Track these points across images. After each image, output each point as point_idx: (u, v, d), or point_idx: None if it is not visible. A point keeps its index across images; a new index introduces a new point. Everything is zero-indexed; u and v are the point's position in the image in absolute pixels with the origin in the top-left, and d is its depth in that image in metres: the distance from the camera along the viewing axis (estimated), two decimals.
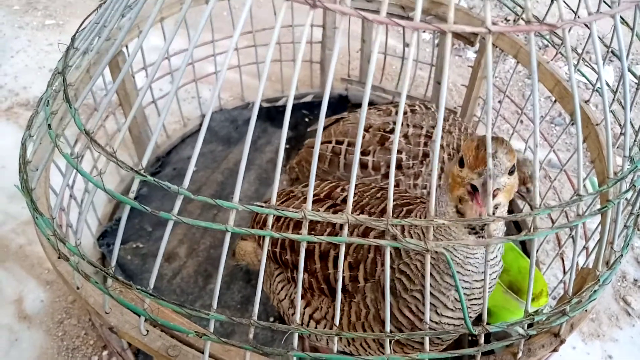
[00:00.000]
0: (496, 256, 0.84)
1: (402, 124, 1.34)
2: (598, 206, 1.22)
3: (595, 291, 0.82)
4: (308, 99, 1.83)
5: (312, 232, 0.94)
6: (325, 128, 1.51)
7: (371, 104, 1.81)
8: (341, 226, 0.68)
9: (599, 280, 0.81)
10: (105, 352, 1.22)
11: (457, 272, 0.82)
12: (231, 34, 1.64)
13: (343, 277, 0.89)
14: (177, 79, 0.68)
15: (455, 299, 0.83)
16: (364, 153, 1.29)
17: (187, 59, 0.66)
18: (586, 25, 0.66)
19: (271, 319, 1.26)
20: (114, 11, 0.88)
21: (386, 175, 1.27)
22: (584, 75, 1.24)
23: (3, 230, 1.44)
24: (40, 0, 2.19)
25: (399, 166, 1.27)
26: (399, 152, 1.27)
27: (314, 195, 1.01)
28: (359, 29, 1.77)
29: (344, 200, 0.99)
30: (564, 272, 1.32)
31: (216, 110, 1.75)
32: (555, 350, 0.83)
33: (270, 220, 0.69)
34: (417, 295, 0.84)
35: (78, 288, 0.83)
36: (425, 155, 1.27)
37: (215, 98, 0.69)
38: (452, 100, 1.94)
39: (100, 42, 0.85)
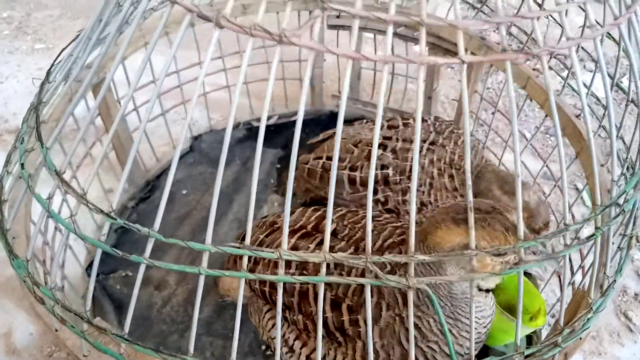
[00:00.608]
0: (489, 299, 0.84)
1: (391, 138, 1.32)
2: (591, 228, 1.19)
3: (588, 319, 0.80)
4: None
5: (305, 271, 0.91)
6: (321, 142, 1.50)
7: (362, 119, 1.79)
8: (328, 265, 0.66)
9: (591, 308, 0.79)
10: None
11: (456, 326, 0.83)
12: (219, 54, 1.63)
13: (342, 320, 0.87)
14: (156, 92, 0.66)
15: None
16: (352, 169, 1.27)
17: (159, 86, 0.64)
18: (584, 48, 0.64)
19: (263, 347, 1.23)
20: (86, 45, 0.86)
21: (375, 192, 1.25)
22: (573, 90, 1.21)
23: None
24: (30, 25, 2.19)
25: (386, 182, 1.25)
26: (386, 167, 1.25)
27: (301, 228, 0.98)
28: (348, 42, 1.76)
29: (334, 233, 0.96)
30: (561, 290, 1.29)
31: (206, 132, 1.73)
32: None
33: (245, 260, 0.67)
34: (434, 346, 0.83)
35: (57, 330, 0.81)
36: None
37: (185, 131, 0.67)
38: (445, 114, 1.91)
39: (70, 82, 0.83)
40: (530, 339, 1.23)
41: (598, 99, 1.16)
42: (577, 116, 1.22)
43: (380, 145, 1.27)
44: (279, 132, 1.74)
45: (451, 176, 1.25)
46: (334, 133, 1.42)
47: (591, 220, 0.72)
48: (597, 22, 0.72)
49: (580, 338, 0.83)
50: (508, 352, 0.74)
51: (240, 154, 1.66)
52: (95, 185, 1.41)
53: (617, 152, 1.08)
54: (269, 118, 1.81)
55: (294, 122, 1.91)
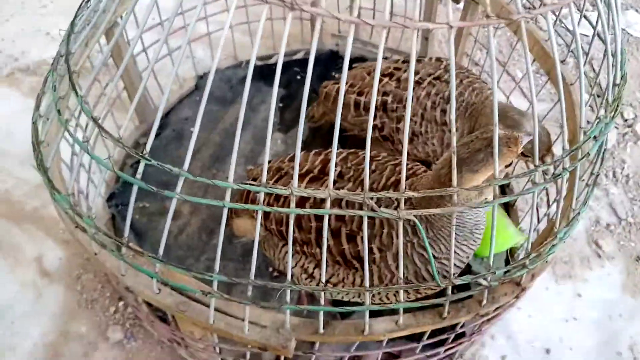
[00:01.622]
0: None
1: (400, 69, 1.37)
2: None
3: (553, 245, 0.93)
4: (299, 55, 1.88)
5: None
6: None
7: (363, 59, 1.86)
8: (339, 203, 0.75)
9: (556, 236, 0.92)
10: (121, 303, 1.36)
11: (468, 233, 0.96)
12: None
13: (358, 250, 0.98)
14: (166, 30, 0.75)
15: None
16: (359, 94, 1.38)
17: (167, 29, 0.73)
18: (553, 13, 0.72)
19: (270, 269, 1.38)
20: None
21: (374, 117, 1.32)
22: (560, 36, 1.29)
23: (17, 195, 1.55)
24: None
25: (384, 109, 1.34)
26: (387, 94, 1.34)
27: (308, 172, 1.07)
28: None
29: (340, 176, 1.05)
30: (538, 220, 1.42)
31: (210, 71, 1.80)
32: (517, 297, 0.95)
33: (261, 197, 0.78)
34: (444, 262, 0.96)
35: (96, 254, 0.94)
36: None
37: (213, 69, 0.77)
38: (442, 53, 1.98)
39: (89, 29, 0.91)
40: (508, 262, 1.38)
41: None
42: (562, 62, 1.30)
43: (388, 75, 1.35)
44: (280, 71, 1.81)
45: (443, 110, 1.30)
46: (360, 65, 1.51)
47: (559, 162, 0.83)
48: None
49: (547, 261, 0.97)
50: (482, 271, 0.87)
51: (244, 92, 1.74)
52: (109, 123, 1.51)
53: (593, 93, 1.18)
54: (270, 57, 1.88)
55: (296, 61, 1.98)
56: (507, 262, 1.38)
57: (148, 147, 0.79)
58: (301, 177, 1.08)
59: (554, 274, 1.48)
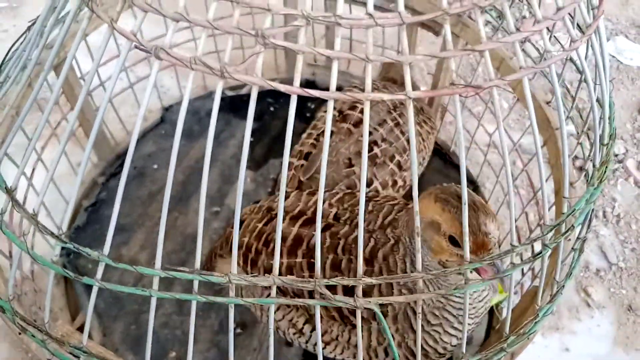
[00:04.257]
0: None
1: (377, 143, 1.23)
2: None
3: (535, 323, 0.83)
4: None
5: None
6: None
7: (339, 88, 1.76)
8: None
9: (537, 315, 0.82)
10: None
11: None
12: (187, 24, 1.57)
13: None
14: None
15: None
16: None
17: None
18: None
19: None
20: (41, 31, 0.83)
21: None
22: (545, 76, 1.20)
23: None
24: None
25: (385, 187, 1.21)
26: (370, 188, 1.18)
27: (301, 214, 0.97)
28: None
29: (337, 218, 0.95)
30: (522, 274, 1.32)
31: (177, 102, 1.70)
32: None
33: (234, 266, 0.66)
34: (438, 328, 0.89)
35: (20, 333, 0.83)
36: (400, 166, 1.22)
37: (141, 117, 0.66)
38: (423, 80, 1.89)
39: (30, 67, 0.80)
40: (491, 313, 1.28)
41: (568, 89, 1.15)
42: (548, 103, 1.21)
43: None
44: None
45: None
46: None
47: (540, 238, 0.73)
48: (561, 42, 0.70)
49: (528, 339, 0.86)
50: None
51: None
52: (63, 161, 1.39)
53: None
54: (242, 87, 1.78)
55: (269, 92, 1.87)
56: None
57: (64, 227, 0.68)
58: (294, 219, 0.98)
59: (541, 326, 1.38)
